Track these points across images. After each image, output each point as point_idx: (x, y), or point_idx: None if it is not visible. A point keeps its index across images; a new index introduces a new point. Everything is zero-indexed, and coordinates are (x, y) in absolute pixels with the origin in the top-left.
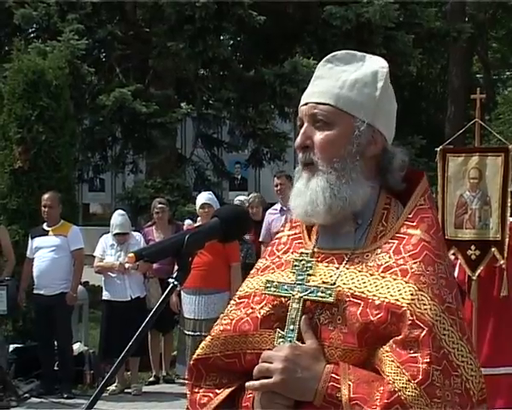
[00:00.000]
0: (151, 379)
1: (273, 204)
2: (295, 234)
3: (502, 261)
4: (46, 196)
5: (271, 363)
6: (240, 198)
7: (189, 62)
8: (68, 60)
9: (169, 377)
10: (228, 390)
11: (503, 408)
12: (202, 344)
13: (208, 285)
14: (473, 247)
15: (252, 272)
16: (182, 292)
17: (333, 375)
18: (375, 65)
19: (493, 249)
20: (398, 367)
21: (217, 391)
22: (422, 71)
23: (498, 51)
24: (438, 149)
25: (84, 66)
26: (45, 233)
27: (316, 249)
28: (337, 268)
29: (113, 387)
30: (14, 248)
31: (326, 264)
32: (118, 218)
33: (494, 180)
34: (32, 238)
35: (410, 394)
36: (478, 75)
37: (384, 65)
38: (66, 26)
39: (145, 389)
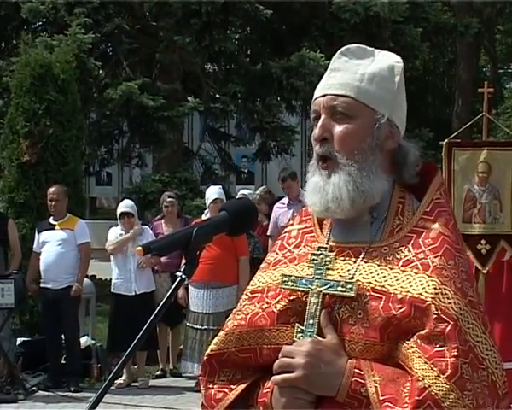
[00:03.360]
0: (158, 373)
1: (280, 198)
2: (306, 228)
3: None
4: (52, 189)
5: (293, 358)
6: (244, 192)
7: (195, 56)
8: (75, 54)
9: (176, 371)
10: (243, 386)
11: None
12: (216, 340)
13: (216, 279)
14: (483, 241)
15: (262, 266)
16: (189, 286)
17: (356, 370)
18: (390, 60)
19: (502, 242)
20: (425, 363)
21: (231, 386)
22: (429, 65)
23: (505, 44)
24: (443, 143)
25: (91, 60)
26: (52, 227)
27: (330, 243)
28: (354, 262)
29: (120, 380)
30: (21, 241)
31: (342, 258)
32: (124, 202)
33: (505, 175)
34: (39, 232)
35: (440, 389)
36: (484, 69)
37: (399, 60)
38: (74, 20)
39: (152, 382)
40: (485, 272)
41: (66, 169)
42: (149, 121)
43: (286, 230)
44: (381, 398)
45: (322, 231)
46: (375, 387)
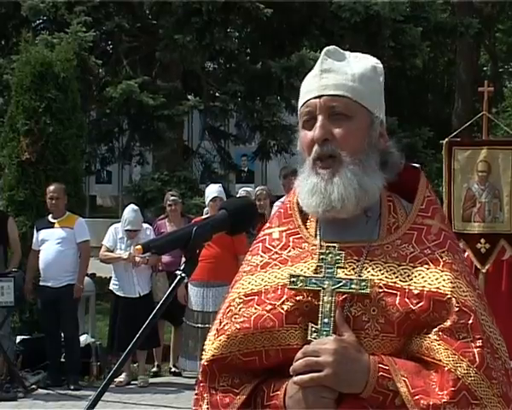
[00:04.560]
0: (154, 369)
1: (280, 196)
2: (289, 229)
3: None
4: (52, 187)
5: (318, 357)
6: (245, 189)
7: (196, 55)
8: (75, 52)
9: (176, 369)
10: (248, 389)
11: None
12: (216, 344)
13: (216, 278)
14: (482, 240)
15: (247, 269)
16: (189, 284)
17: (380, 365)
18: (370, 60)
19: (502, 242)
20: (454, 354)
21: (235, 391)
22: (430, 64)
23: (505, 43)
24: (443, 142)
25: (92, 58)
26: (51, 225)
27: (323, 243)
28: (357, 260)
29: (119, 378)
30: (20, 239)
31: (344, 257)
32: (131, 213)
33: (505, 174)
34: (38, 230)
35: (472, 379)
36: (485, 68)
37: (377, 60)
38: (74, 19)
39: (152, 380)
40: (484, 271)
41: (66, 167)
42: (149, 120)
43: (265, 232)
44: (413, 391)
45: (309, 232)
46: (404, 381)
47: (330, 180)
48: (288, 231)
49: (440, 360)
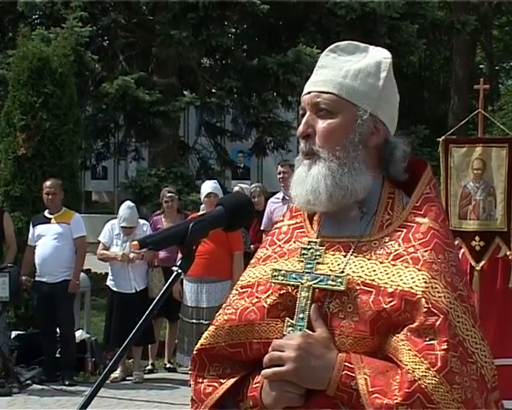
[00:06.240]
0: (149, 367)
1: (275, 193)
2: (296, 223)
3: (508, 252)
4: (48, 183)
5: (283, 351)
6: (240, 185)
7: (192, 51)
8: (72, 47)
9: (171, 366)
10: (232, 380)
11: (504, 399)
12: (206, 334)
13: (210, 274)
14: (477, 238)
15: (252, 261)
16: (184, 280)
17: (346, 363)
18: (379, 56)
19: (497, 240)
20: (415, 356)
21: (221, 381)
22: (426, 61)
23: (501, 41)
24: (440, 140)
25: (88, 53)
26: (47, 221)
27: (320, 238)
28: (344, 256)
29: (115, 374)
30: (16, 234)
31: (332, 252)
32: (126, 211)
33: (499, 171)
34: (34, 226)
35: (430, 382)
36: (481, 65)
37: (387, 56)
38: (70, 14)
39: (146, 376)
40: (478, 268)
41: (62, 163)
42: (145, 116)
43: (276, 226)
44: (371, 390)
45: (312, 227)
46: (365, 379)
47: (308, 171)
48: (295, 225)
49: (401, 361)
